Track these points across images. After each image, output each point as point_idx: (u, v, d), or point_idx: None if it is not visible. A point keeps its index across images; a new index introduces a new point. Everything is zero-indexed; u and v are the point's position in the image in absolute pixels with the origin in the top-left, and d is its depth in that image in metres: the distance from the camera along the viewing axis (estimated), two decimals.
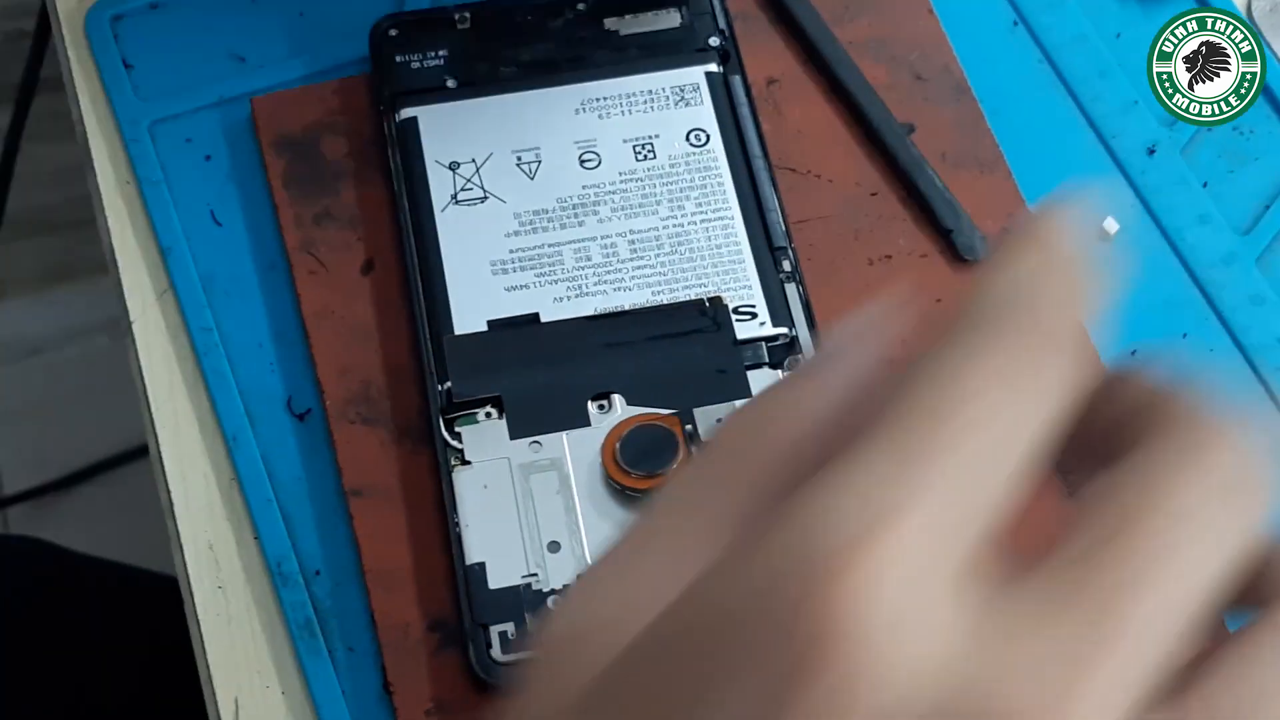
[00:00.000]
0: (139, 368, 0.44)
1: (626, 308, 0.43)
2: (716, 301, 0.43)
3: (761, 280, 0.43)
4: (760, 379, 0.42)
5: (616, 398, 0.41)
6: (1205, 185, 0.47)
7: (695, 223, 0.44)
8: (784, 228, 0.44)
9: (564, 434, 0.41)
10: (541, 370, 0.42)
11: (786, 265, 0.44)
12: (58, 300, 1.25)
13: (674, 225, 0.44)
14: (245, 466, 0.42)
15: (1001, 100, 0.48)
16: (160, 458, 0.43)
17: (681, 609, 0.20)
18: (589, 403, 0.41)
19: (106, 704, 0.63)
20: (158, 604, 0.67)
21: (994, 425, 0.20)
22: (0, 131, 0.84)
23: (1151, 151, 0.47)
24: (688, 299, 0.43)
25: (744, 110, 0.46)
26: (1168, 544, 0.20)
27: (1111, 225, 0.46)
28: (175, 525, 0.42)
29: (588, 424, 0.41)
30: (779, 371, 0.42)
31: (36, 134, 0.81)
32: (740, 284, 0.43)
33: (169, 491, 0.43)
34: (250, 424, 0.43)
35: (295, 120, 0.45)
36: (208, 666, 0.40)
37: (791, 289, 0.43)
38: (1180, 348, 0.45)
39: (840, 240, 0.45)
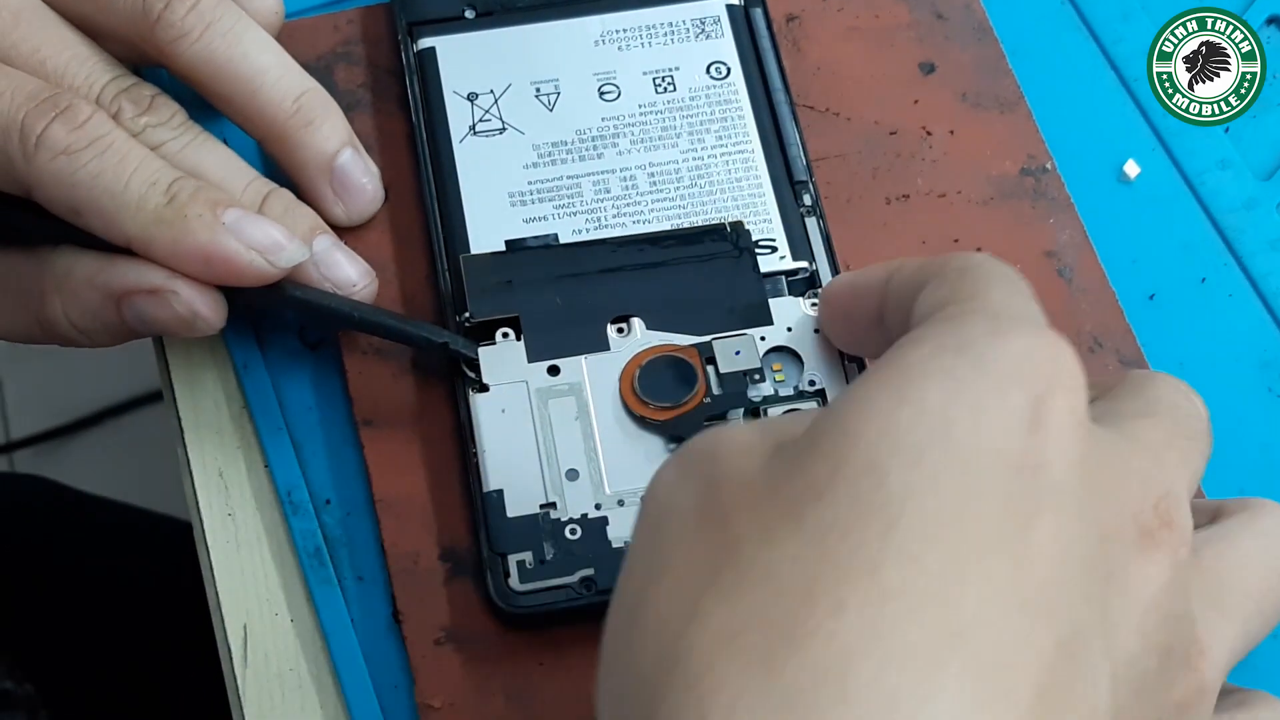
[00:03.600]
0: None
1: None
2: (738, 225, 0.42)
3: (782, 214, 0.43)
4: (782, 306, 0.41)
5: (636, 321, 0.41)
6: (1227, 130, 0.46)
7: (715, 156, 0.44)
8: (805, 161, 0.44)
9: (583, 358, 0.41)
10: (560, 292, 0.41)
11: (807, 199, 0.43)
12: None
13: (694, 158, 0.44)
14: (256, 394, 0.42)
15: (1023, 40, 0.47)
16: (171, 384, 0.43)
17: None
18: (608, 326, 0.41)
19: (113, 637, 0.63)
20: (164, 542, 0.67)
21: None
22: None
23: None
24: (709, 224, 0.42)
25: (765, 43, 0.46)
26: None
27: (1132, 168, 0.46)
28: (185, 452, 0.42)
29: (607, 348, 0.41)
30: (800, 299, 0.42)
31: None
32: (760, 217, 0.43)
33: (179, 418, 0.43)
34: (261, 352, 0.43)
35: (311, 49, 0.45)
36: (217, 594, 0.40)
37: (812, 223, 0.43)
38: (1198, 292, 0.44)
39: (858, 179, 0.45)
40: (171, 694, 0.62)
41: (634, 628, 0.27)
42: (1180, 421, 0.32)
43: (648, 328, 0.41)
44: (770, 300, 0.41)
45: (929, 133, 0.46)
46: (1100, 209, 0.45)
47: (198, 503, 0.41)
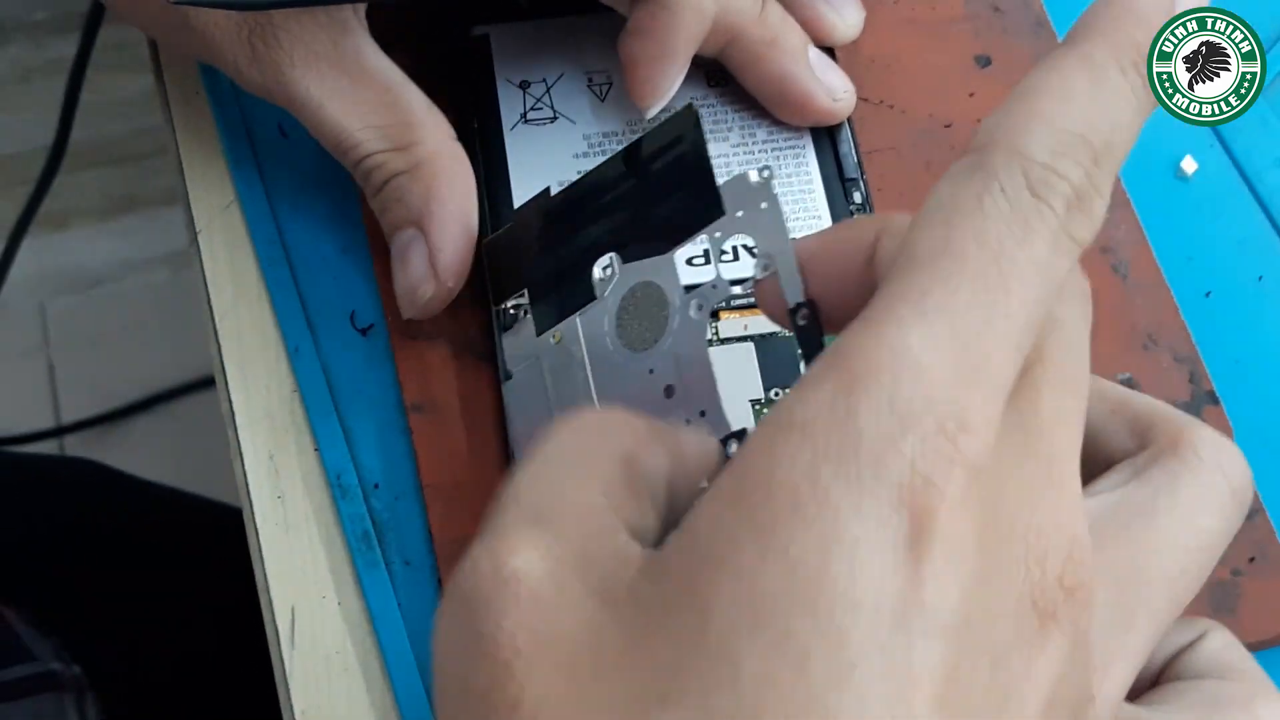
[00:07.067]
0: (204, 278, 0.44)
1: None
2: (687, 109, 0.37)
3: (832, 211, 0.43)
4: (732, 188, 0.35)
5: (614, 258, 0.37)
6: None
7: (766, 151, 0.44)
8: (856, 159, 0.44)
9: (577, 317, 0.38)
10: (553, 253, 0.39)
11: (858, 197, 0.43)
12: (120, 232, 1.26)
13: (744, 152, 0.44)
14: (306, 378, 0.42)
15: None
16: (223, 367, 0.43)
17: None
18: (594, 274, 0.38)
19: (161, 620, 0.63)
20: (213, 528, 0.67)
21: None
22: (66, 61, 0.84)
23: None
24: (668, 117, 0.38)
25: None
26: None
27: (1190, 164, 0.45)
28: (236, 435, 0.42)
29: (594, 297, 0.37)
30: (750, 170, 0.37)
31: (102, 64, 0.82)
32: (810, 215, 0.43)
33: (230, 401, 0.43)
34: (313, 336, 0.43)
35: None
36: (265, 576, 0.40)
37: None
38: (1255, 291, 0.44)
39: (911, 172, 0.45)
40: (218, 676, 0.62)
41: None
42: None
43: (623, 262, 0.37)
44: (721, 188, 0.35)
45: None
46: (1157, 205, 0.44)
47: (248, 485, 0.42)
